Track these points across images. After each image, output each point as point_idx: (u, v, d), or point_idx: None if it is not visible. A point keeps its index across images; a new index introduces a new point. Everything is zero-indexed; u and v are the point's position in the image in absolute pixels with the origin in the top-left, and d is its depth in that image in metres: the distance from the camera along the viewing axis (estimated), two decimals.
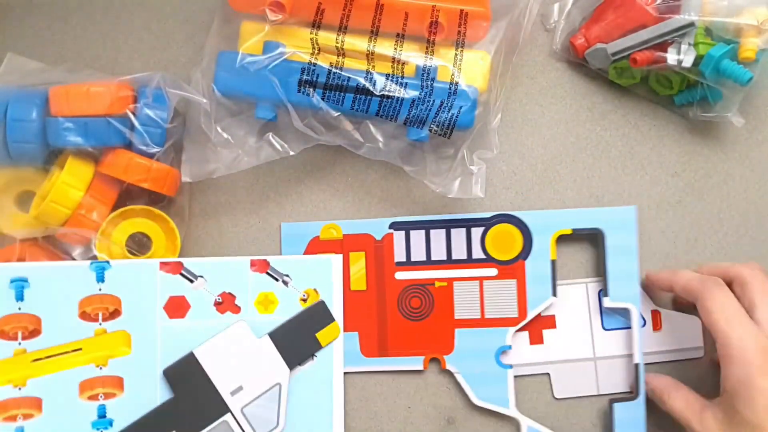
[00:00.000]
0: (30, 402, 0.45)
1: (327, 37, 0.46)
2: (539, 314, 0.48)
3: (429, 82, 0.45)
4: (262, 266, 0.48)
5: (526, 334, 0.49)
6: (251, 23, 0.46)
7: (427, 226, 0.49)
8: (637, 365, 0.47)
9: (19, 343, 0.45)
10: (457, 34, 0.46)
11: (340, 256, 0.49)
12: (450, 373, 0.49)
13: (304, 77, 0.45)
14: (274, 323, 0.47)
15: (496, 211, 0.49)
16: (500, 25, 0.47)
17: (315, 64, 0.45)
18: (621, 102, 0.51)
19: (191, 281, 0.47)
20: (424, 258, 0.49)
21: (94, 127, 0.45)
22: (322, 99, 0.45)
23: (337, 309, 0.48)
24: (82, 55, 0.52)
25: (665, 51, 0.46)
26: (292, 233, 0.50)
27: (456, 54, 0.46)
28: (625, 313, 0.48)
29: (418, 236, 0.49)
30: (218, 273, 0.47)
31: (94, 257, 0.47)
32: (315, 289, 0.48)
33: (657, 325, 0.49)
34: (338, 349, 0.48)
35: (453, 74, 0.46)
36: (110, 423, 0.45)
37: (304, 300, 0.48)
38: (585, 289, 0.49)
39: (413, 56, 0.46)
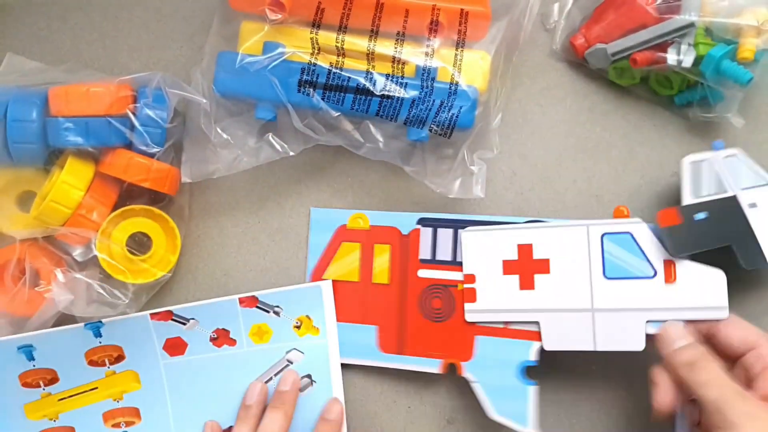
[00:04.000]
0: (66, 429, 0.49)
1: (327, 37, 0.46)
2: (531, 257, 0.45)
3: (429, 82, 0.45)
4: (250, 302, 0.48)
5: (516, 277, 0.46)
6: (251, 23, 0.46)
7: (457, 225, 0.48)
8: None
9: (43, 389, 0.49)
10: (457, 34, 0.46)
11: (329, 282, 0.48)
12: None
13: (304, 77, 0.45)
14: (270, 351, 0.48)
15: (497, 211, 0.49)
16: (500, 25, 0.47)
17: (315, 64, 0.45)
18: (621, 102, 0.51)
19: (183, 324, 0.48)
20: (449, 258, 0.48)
21: (95, 127, 0.44)
22: (322, 99, 0.45)
23: (331, 333, 0.48)
24: (82, 55, 0.52)
25: (665, 51, 0.46)
26: (321, 219, 0.50)
27: (456, 54, 0.46)
28: (631, 262, 0.43)
29: (445, 235, 0.48)
30: (209, 314, 0.48)
31: (95, 258, 0.47)
32: (307, 316, 0.48)
33: (670, 277, 0.43)
34: (336, 373, 0.48)
35: (453, 74, 0.46)
36: None
37: (298, 327, 0.48)
38: (585, 232, 0.45)
39: (413, 56, 0.46)
